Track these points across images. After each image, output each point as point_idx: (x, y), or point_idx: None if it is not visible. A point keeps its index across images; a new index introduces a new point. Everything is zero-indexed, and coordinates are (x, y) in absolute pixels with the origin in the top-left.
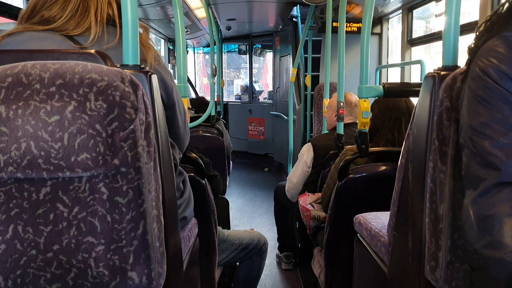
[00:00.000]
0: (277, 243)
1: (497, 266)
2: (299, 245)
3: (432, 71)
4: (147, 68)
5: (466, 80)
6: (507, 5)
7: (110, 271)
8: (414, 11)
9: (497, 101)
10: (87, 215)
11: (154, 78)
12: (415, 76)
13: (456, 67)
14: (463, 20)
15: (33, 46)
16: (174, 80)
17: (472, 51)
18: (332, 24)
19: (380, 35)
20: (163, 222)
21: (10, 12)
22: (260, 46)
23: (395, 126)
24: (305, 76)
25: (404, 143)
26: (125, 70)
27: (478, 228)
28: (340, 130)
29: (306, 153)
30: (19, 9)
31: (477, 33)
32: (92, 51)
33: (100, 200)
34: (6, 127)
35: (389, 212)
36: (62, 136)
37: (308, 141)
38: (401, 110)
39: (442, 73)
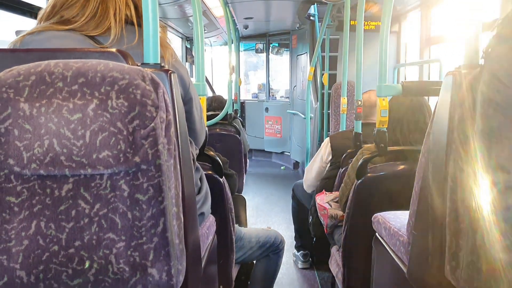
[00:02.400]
0: (294, 242)
1: None
2: (314, 240)
3: (453, 69)
4: (166, 66)
5: (480, 85)
6: None
7: (131, 267)
8: None
9: (509, 105)
10: (108, 212)
11: (174, 76)
12: (433, 74)
13: (477, 65)
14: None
15: (54, 45)
16: (192, 78)
17: (486, 55)
18: (349, 22)
19: (398, 33)
20: (182, 219)
21: (31, 11)
22: (277, 44)
23: (397, 127)
24: (322, 74)
25: (424, 142)
26: (146, 69)
27: (493, 231)
28: (358, 128)
29: (324, 148)
30: (39, 8)
31: (491, 36)
32: (114, 50)
33: (121, 197)
34: (30, 125)
35: (408, 211)
36: (84, 133)
37: (327, 137)
38: (401, 111)
39: (463, 71)
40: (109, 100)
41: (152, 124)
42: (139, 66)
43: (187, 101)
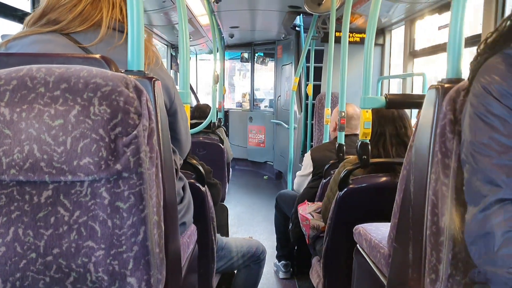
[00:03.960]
0: (275, 252)
1: (497, 282)
2: (296, 247)
3: (435, 83)
4: (146, 70)
5: (468, 97)
6: (508, 23)
7: (110, 276)
8: None
9: (499, 118)
10: (88, 220)
11: (158, 84)
12: (416, 88)
13: (460, 79)
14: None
15: (38, 49)
16: (176, 86)
17: (474, 68)
18: (335, 34)
19: (382, 46)
20: (163, 228)
21: (14, 14)
22: (262, 54)
23: (380, 141)
24: (307, 85)
25: (406, 154)
26: (130, 76)
27: (479, 244)
28: (341, 140)
29: (305, 161)
30: (23, 11)
31: (479, 50)
32: (97, 56)
33: (101, 204)
34: (10, 130)
35: (389, 224)
36: (65, 140)
37: (309, 151)
38: (386, 123)
39: (446, 85)
40: (92, 107)
41: (135, 132)
42: (122, 73)
43: (173, 112)
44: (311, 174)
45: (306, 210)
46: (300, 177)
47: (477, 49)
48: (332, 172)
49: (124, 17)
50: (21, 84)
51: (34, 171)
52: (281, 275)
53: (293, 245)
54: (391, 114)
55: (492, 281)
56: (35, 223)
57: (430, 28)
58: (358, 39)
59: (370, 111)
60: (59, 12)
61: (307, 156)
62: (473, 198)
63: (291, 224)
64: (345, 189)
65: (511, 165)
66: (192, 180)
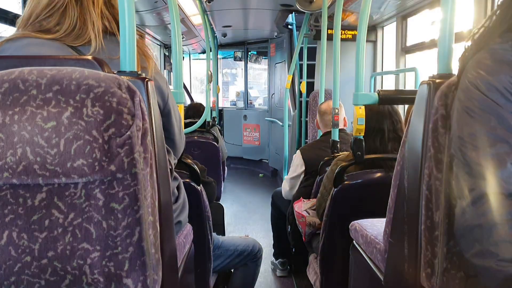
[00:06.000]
0: (272, 250)
1: (487, 275)
2: (293, 249)
3: (427, 78)
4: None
5: (457, 92)
6: (494, 18)
7: (105, 278)
8: None
9: (485, 112)
10: (83, 222)
11: (151, 84)
12: (409, 83)
13: (451, 75)
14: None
15: (31, 52)
16: (170, 86)
17: (462, 64)
18: (327, 31)
19: (374, 42)
20: (159, 228)
21: (6, 17)
22: (255, 52)
23: (378, 135)
24: (300, 82)
25: (399, 150)
26: (122, 77)
27: (468, 237)
28: (335, 136)
29: (296, 161)
30: (15, 14)
31: (466, 46)
32: (89, 57)
33: (96, 206)
34: (2, 133)
35: (385, 219)
36: (58, 142)
37: (298, 150)
38: (384, 118)
39: (437, 80)
40: (84, 108)
41: (128, 132)
42: (115, 74)
43: (166, 113)
44: (304, 173)
45: (302, 207)
46: (292, 180)
47: (464, 45)
48: (327, 168)
49: (112, 22)
50: (13, 86)
51: (27, 174)
52: (278, 273)
53: (290, 245)
54: (387, 109)
55: (482, 274)
56: (29, 226)
57: (422, 24)
58: (350, 36)
59: (363, 107)
60: (50, 22)
61: (297, 156)
62: (462, 192)
63: (288, 226)
64: (340, 186)
65: (497, 159)
66: (187, 180)
